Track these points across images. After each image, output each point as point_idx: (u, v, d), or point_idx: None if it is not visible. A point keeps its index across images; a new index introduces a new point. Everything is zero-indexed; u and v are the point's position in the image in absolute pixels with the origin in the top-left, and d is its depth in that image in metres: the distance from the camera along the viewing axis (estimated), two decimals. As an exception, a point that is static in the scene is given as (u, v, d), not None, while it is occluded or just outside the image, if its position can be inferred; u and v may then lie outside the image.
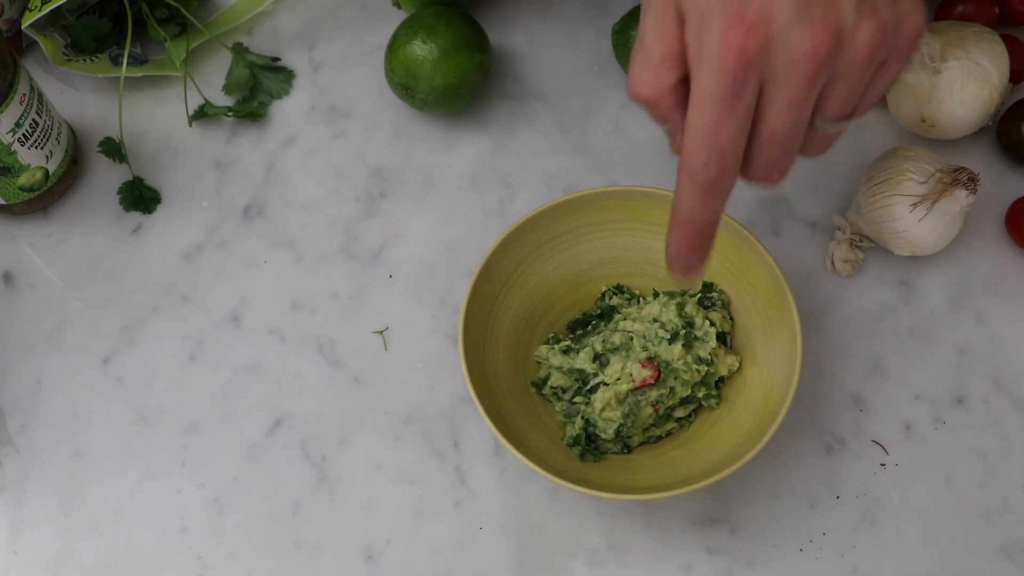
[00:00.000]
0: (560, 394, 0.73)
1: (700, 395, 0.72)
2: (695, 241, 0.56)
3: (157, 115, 0.86)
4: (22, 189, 0.79)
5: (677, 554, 0.71)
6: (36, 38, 0.83)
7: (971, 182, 0.73)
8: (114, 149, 0.82)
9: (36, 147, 0.77)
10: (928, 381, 0.76)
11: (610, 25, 0.87)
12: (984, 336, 0.77)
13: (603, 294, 0.76)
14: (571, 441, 0.71)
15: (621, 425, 0.70)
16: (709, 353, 0.71)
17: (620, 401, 0.70)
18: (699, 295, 0.74)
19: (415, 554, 0.72)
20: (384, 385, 0.76)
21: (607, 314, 0.75)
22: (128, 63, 0.84)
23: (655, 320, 0.72)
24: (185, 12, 0.85)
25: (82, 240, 0.82)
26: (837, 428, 0.74)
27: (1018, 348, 0.76)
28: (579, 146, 0.84)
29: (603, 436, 0.70)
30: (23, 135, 0.76)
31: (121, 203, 0.82)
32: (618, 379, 0.70)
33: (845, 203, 0.81)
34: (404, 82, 0.81)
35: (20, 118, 0.75)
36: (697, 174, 0.53)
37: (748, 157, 0.54)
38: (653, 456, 0.72)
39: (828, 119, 0.53)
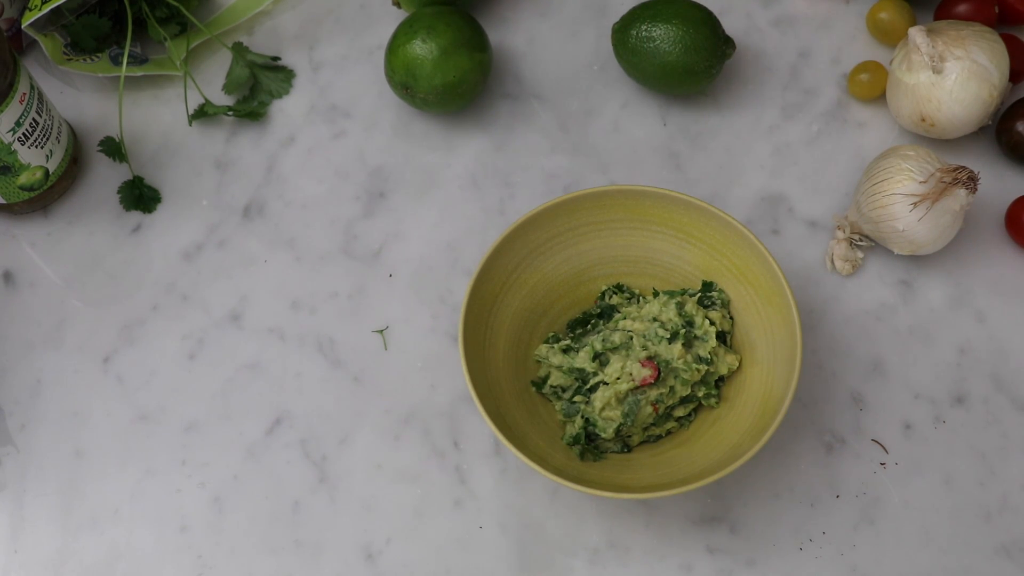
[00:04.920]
0: (560, 393, 0.73)
1: (700, 394, 0.72)
2: None
3: (157, 115, 0.86)
4: (22, 188, 0.79)
5: (677, 553, 0.71)
6: (36, 37, 0.83)
7: (971, 181, 0.73)
8: (114, 148, 0.82)
9: (36, 146, 0.77)
10: (928, 380, 0.76)
11: (610, 25, 0.87)
12: (984, 336, 0.77)
13: (603, 293, 0.76)
14: (571, 440, 0.71)
15: (621, 424, 0.70)
16: (709, 352, 0.71)
17: (620, 400, 0.70)
18: (699, 294, 0.74)
19: (415, 553, 0.72)
20: (384, 384, 0.76)
21: (607, 313, 0.75)
22: (128, 62, 0.84)
23: (655, 319, 0.72)
24: (185, 11, 0.85)
25: (82, 239, 0.82)
26: (837, 427, 0.74)
27: (1018, 348, 0.76)
28: (579, 145, 0.84)
29: (603, 435, 0.70)
30: (23, 134, 0.76)
31: (121, 202, 0.82)
32: (618, 378, 0.70)
33: (845, 203, 0.81)
34: (404, 81, 0.81)
35: (20, 117, 0.75)
36: None
37: None
38: (653, 455, 0.72)
39: None
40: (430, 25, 0.80)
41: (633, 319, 0.73)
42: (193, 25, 0.86)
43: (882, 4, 0.85)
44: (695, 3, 0.81)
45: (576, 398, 0.72)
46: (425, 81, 0.80)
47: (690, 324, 0.72)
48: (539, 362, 0.74)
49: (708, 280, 0.74)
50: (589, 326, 0.75)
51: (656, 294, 0.75)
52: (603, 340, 0.72)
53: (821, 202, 0.81)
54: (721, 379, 0.73)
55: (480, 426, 0.75)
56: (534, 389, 0.74)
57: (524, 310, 0.74)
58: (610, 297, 0.75)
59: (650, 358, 0.71)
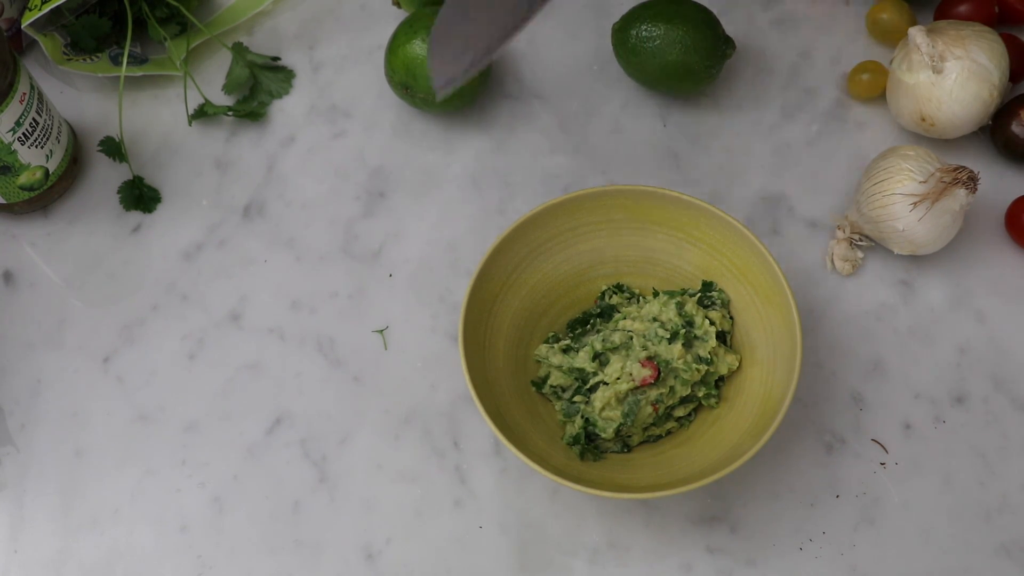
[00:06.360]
0: (560, 393, 0.73)
1: (700, 394, 0.72)
2: None
3: (157, 114, 0.86)
4: (22, 188, 0.79)
5: (677, 553, 0.71)
6: (36, 37, 0.83)
7: (971, 181, 0.73)
8: (114, 148, 0.82)
9: (36, 146, 0.77)
10: (928, 380, 0.76)
11: (610, 25, 0.87)
12: (984, 336, 0.77)
13: (603, 293, 0.76)
14: (571, 440, 0.71)
15: (621, 424, 0.70)
16: (709, 352, 0.71)
17: (620, 400, 0.70)
18: (699, 294, 0.74)
19: (415, 553, 0.72)
20: (384, 384, 0.76)
21: (607, 313, 0.75)
22: (128, 62, 0.84)
23: (655, 319, 0.72)
24: (185, 11, 0.85)
25: (82, 239, 0.82)
26: (837, 427, 0.74)
27: (1018, 348, 0.76)
28: (579, 146, 0.84)
29: (603, 435, 0.70)
30: (23, 134, 0.76)
31: (121, 202, 0.82)
32: (618, 378, 0.70)
33: (845, 202, 0.81)
34: (404, 81, 0.81)
35: (20, 117, 0.75)
36: None
37: None
38: (653, 455, 0.72)
39: None
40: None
41: (633, 319, 0.73)
42: (193, 25, 0.86)
43: (882, 4, 0.85)
44: (695, 3, 0.81)
45: (576, 398, 0.72)
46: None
47: (690, 324, 0.72)
48: (539, 362, 0.74)
49: (708, 280, 0.74)
50: (589, 326, 0.75)
51: (656, 294, 0.75)
52: (603, 340, 0.72)
53: (821, 202, 0.81)
54: (721, 379, 0.73)
55: (480, 426, 0.75)
56: (534, 389, 0.74)
57: (524, 310, 0.74)
58: (610, 297, 0.75)
59: (650, 358, 0.71)
